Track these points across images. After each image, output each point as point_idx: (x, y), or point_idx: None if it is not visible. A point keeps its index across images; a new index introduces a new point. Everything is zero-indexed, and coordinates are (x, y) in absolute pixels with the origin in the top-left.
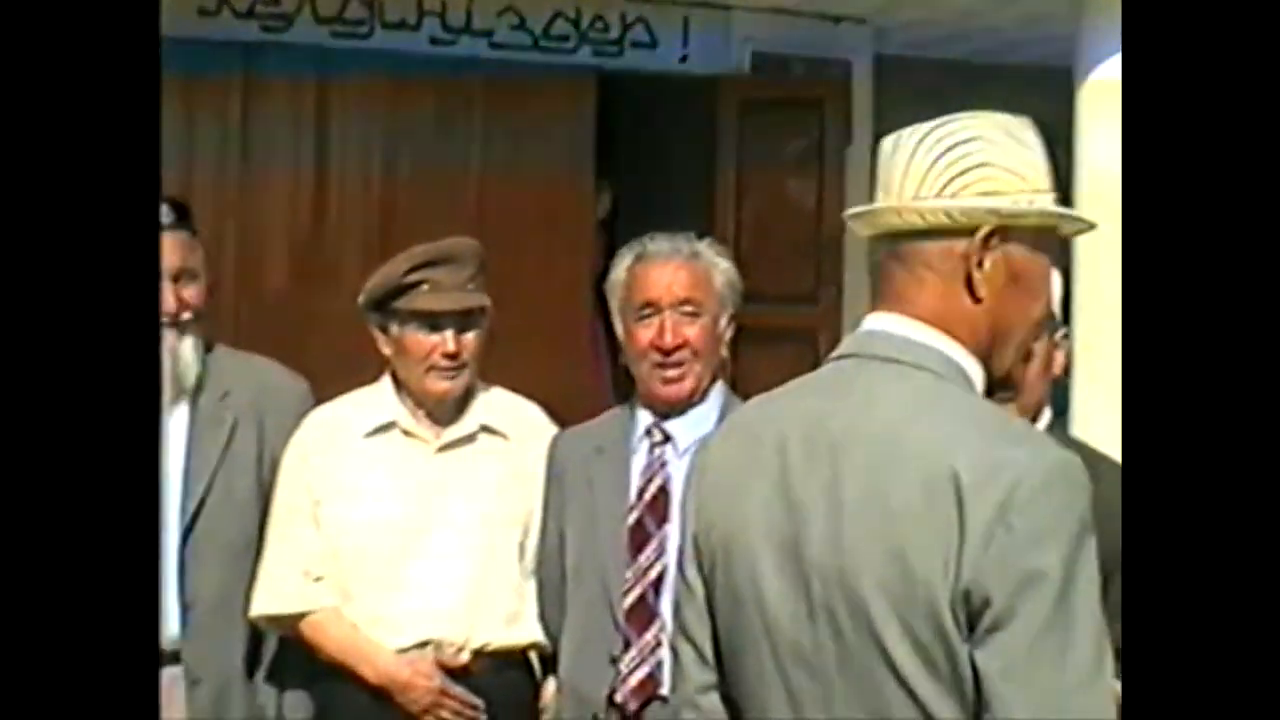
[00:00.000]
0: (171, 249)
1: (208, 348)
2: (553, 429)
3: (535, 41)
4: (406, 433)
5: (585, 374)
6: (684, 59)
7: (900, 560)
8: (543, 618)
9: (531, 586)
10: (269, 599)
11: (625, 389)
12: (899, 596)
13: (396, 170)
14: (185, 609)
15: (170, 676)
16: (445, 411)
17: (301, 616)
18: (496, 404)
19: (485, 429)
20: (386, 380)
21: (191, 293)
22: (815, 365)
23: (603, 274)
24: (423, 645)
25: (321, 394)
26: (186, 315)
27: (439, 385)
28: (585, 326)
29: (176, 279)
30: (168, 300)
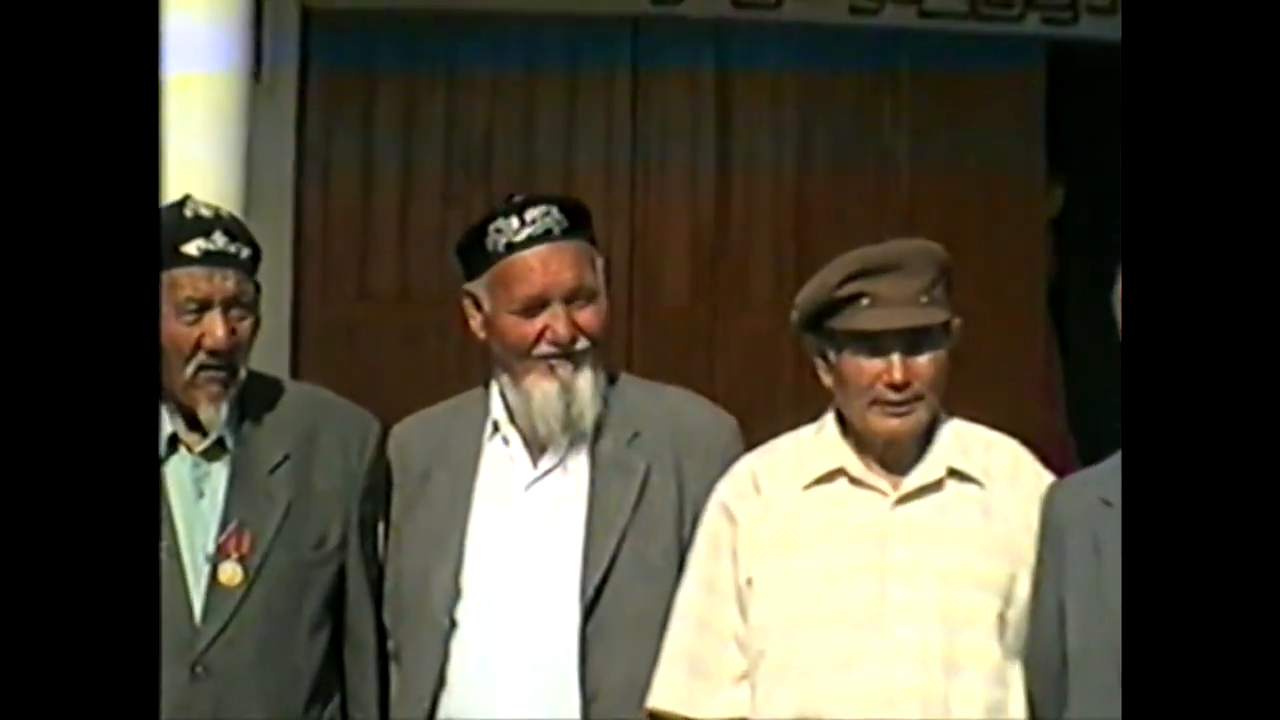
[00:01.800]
0: (564, 263)
1: (610, 379)
2: (1038, 472)
3: (973, 8)
4: (855, 481)
5: (1036, 401)
6: None
7: None
8: (1033, 707)
9: (1016, 669)
10: (668, 694)
11: (1077, 419)
12: None
13: (812, 169)
14: (587, 701)
15: None
16: (901, 454)
17: None
18: (966, 442)
19: (953, 474)
20: (830, 418)
21: (589, 316)
22: None
23: (1057, 283)
24: None
25: None
26: (582, 344)
27: (885, 423)
28: (1037, 344)
29: (570, 300)
30: (559, 327)
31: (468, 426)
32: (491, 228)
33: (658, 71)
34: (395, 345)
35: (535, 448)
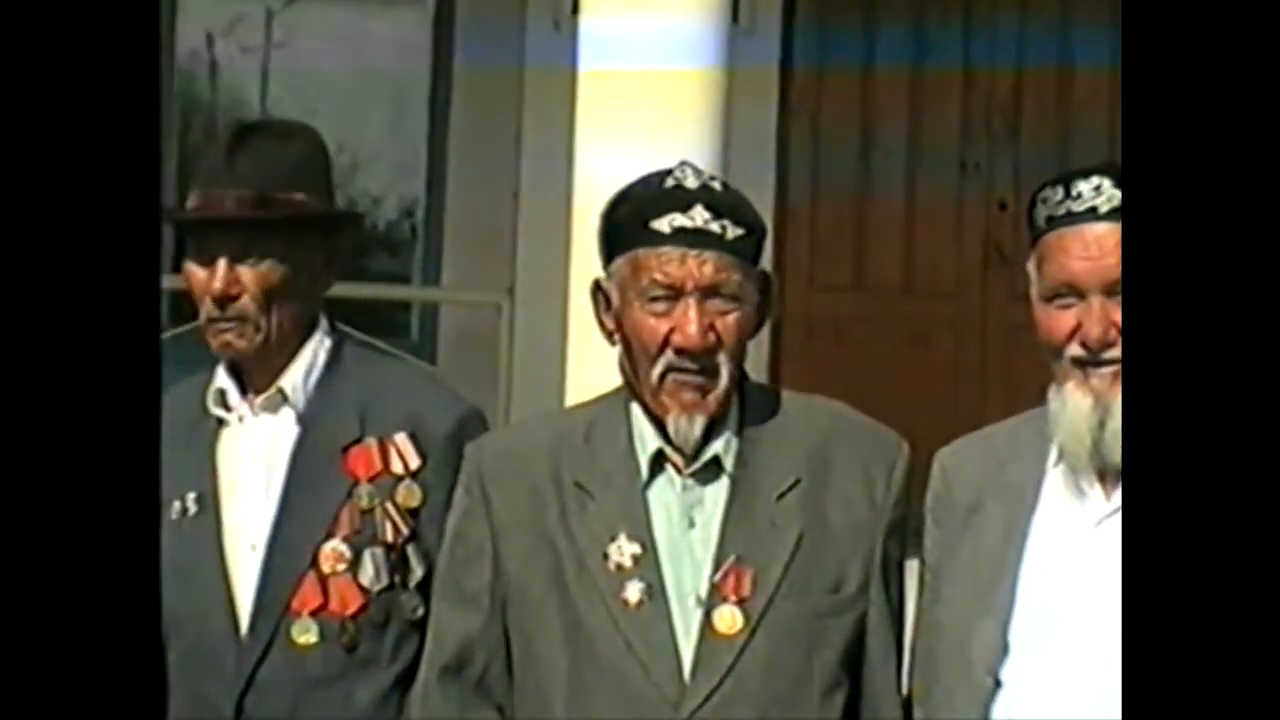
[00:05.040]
0: (1107, 247)
1: None
2: None
3: None
4: None
5: None
6: None
7: None
8: None
9: None
10: None
11: None
12: None
13: None
14: None
15: None
16: None
17: None
18: None
19: None
20: None
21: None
22: None
23: None
24: None
25: None
26: (1119, 350)
27: None
28: None
29: (1112, 293)
30: (1091, 325)
31: (1029, 449)
32: (1039, 196)
33: None
34: (898, 345)
35: (1110, 476)
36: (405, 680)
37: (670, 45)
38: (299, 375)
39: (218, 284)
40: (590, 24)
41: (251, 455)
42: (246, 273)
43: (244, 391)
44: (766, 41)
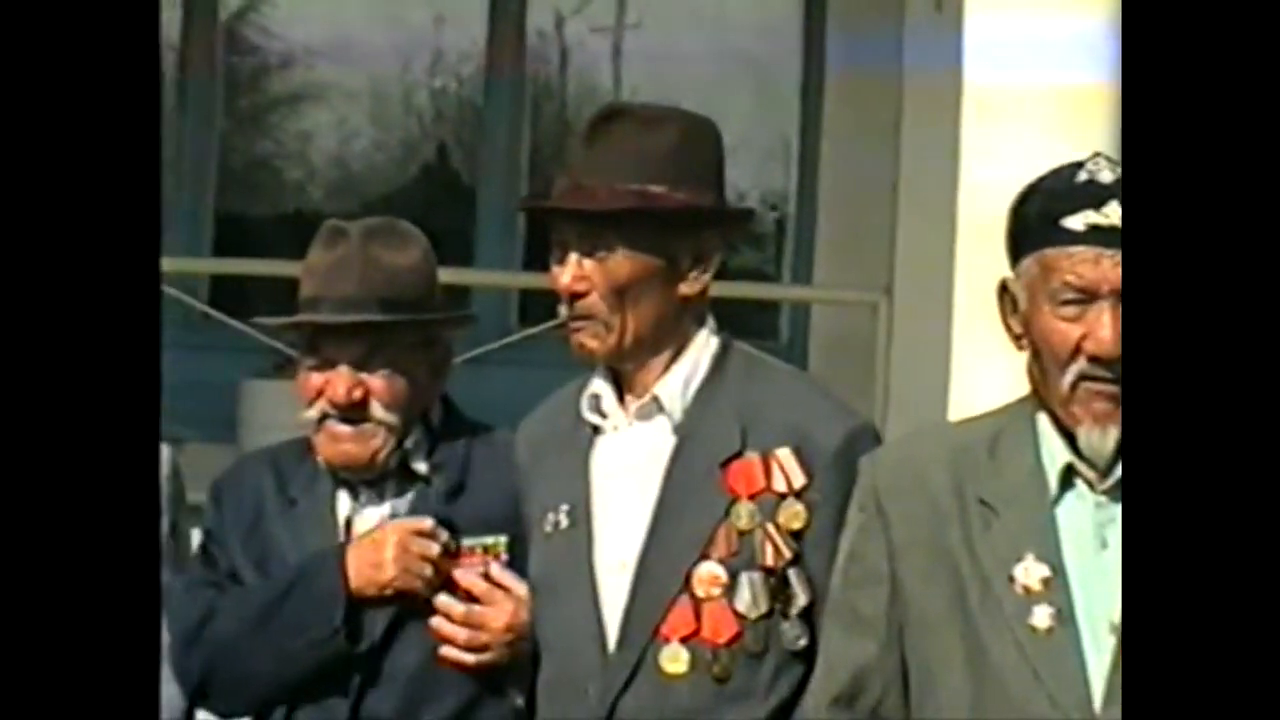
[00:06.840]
0: None
1: None
2: None
3: None
4: None
5: None
6: None
7: None
8: None
9: None
10: None
11: None
12: None
13: None
14: None
15: None
16: None
17: None
18: None
19: None
20: None
21: None
22: None
23: None
24: None
25: None
26: None
27: None
28: None
29: None
30: None
31: None
32: None
33: None
34: None
35: None
36: (782, 715)
37: (1065, 36)
38: (677, 382)
39: (564, 279)
40: (977, 2)
41: (626, 467)
42: (594, 268)
43: (621, 397)
44: None
